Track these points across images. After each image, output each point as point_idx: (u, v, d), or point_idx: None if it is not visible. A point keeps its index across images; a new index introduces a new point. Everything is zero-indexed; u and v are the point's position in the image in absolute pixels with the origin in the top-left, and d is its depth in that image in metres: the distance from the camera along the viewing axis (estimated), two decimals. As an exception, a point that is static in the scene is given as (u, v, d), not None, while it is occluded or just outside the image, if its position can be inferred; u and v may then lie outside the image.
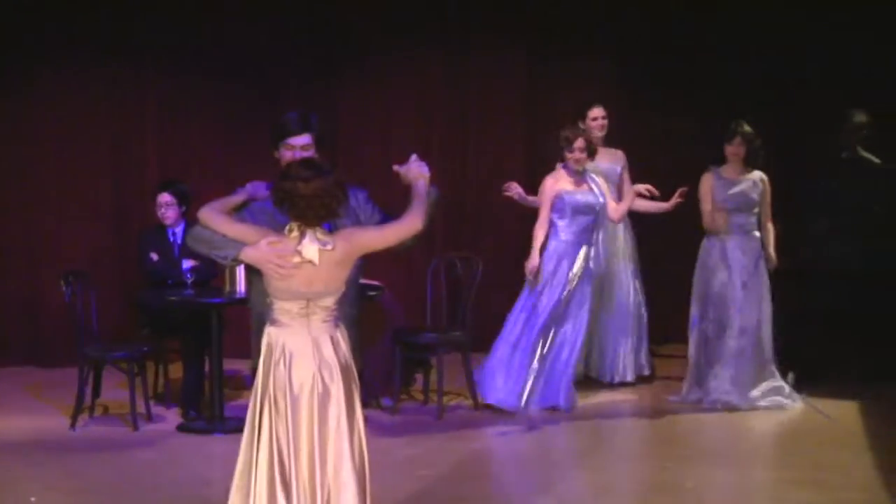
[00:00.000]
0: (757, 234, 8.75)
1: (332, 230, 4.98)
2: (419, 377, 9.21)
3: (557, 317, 8.53)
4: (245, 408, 8.80)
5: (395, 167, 5.27)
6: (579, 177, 8.63)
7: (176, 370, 8.88)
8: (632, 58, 10.79)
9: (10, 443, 7.96)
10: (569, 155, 8.57)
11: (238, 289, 8.14)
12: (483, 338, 9.64)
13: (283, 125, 5.37)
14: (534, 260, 8.53)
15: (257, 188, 5.28)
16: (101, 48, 10.39)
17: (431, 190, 5.22)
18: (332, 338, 4.96)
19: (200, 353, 8.53)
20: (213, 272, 8.56)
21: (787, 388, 8.70)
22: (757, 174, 8.76)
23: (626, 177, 9.34)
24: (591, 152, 8.63)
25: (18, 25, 10.22)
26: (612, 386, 9.18)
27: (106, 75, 10.44)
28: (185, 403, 8.55)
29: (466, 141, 10.92)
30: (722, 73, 10.59)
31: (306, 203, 4.80)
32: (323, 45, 10.65)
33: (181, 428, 8.27)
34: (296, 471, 4.88)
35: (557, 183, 8.60)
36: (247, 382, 9.64)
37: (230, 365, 9.37)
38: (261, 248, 4.90)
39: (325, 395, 4.91)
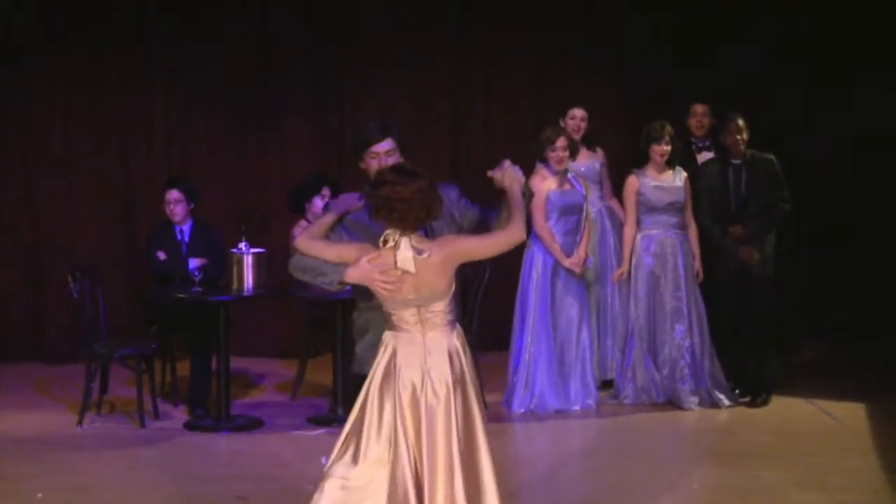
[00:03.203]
0: (685, 233, 8.83)
1: (426, 234, 4.90)
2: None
3: (556, 319, 8.56)
4: (252, 406, 8.87)
5: (490, 172, 5.10)
6: (562, 176, 8.60)
7: (183, 368, 8.88)
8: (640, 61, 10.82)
9: (17, 439, 7.96)
10: (550, 154, 8.50)
11: (246, 286, 8.15)
12: (491, 339, 9.64)
13: (364, 134, 5.21)
14: (574, 260, 8.55)
15: (349, 200, 5.13)
16: (109, 44, 10.41)
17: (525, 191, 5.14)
18: (448, 350, 4.86)
19: (208, 351, 8.53)
20: (220, 270, 8.57)
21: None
22: (681, 172, 8.80)
23: (606, 174, 9.40)
24: (573, 151, 8.58)
25: (27, 23, 10.24)
26: (604, 385, 9.10)
27: (114, 72, 10.46)
28: (192, 401, 8.55)
29: (472, 137, 10.91)
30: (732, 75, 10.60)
31: (407, 206, 4.70)
32: (330, 41, 10.65)
33: (188, 426, 8.27)
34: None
35: (544, 182, 8.57)
36: (255, 381, 9.66)
37: (237, 363, 9.38)
38: (363, 266, 4.80)
39: (430, 411, 4.80)
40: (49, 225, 10.42)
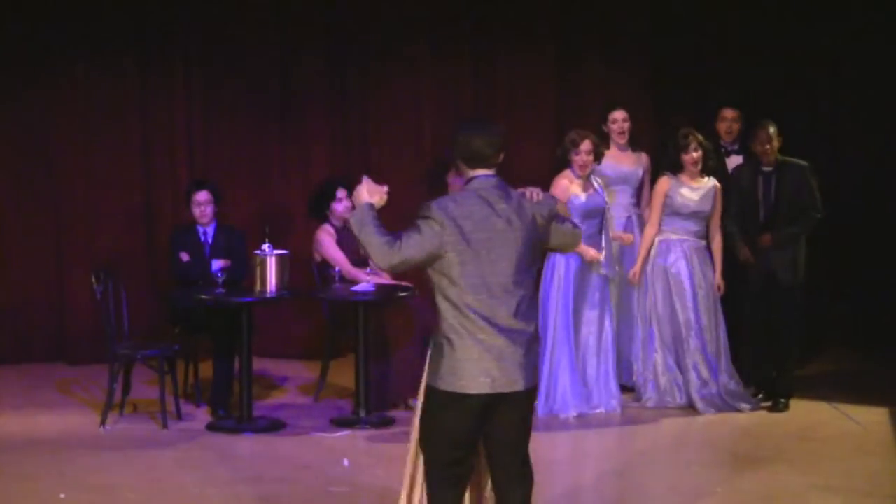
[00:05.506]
0: (704, 243, 8.80)
1: None
2: (448, 379, 9.17)
3: (578, 323, 8.56)
4: (274, 407, 8.88)
5: None
6: (586, 180, 8.58)
7: (206, 369, 8.90)
8: (665, 61, 10.78)
9: (39, 439, 7.99)
10: (575, 157, 8.46)
11: (269, 288, 8.15)
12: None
13: None
14: (595, 254, 8.50)
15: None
16: (131, 47, 10.44)
17: None
18: None
19: (230, 353, 8.54)
20: (243, 272, 8.59)
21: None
22: (713, 182, 8.76)
23: (647, 180, 9.29)
24: (598, 155, 8.54)
25: (50, 23, 10.27)
26: (627, 389, 9.07)
27: (136, 73, 10.48)
28: (214, 402, 8.56)
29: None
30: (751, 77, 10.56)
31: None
32: (351, 41, 10.66)
33: (210, 427, 8.28)
34: None
35: (570, 186, 8.50)
36: (277, 382, 9.65)
37: (260, 364, 9.40)
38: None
39: None
40: (71, 226, 10.43)
